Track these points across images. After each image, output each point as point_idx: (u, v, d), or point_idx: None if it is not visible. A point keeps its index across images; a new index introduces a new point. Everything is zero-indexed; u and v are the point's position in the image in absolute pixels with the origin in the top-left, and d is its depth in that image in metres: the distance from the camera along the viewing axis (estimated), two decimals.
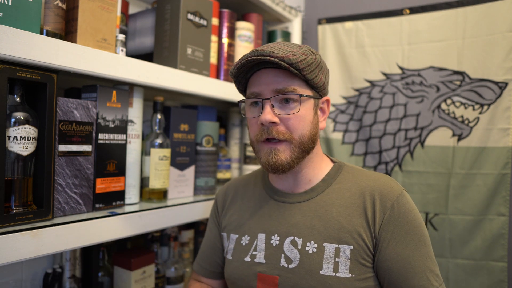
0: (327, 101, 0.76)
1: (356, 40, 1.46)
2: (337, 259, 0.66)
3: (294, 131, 0.68)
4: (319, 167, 0.76)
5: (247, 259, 0.74)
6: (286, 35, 1.40)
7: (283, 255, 0.70)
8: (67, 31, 0.74)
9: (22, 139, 0.64)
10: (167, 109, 0.97)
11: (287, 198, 0.75)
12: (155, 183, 0.91)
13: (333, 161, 0.79)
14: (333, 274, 0.66)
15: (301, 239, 0.70)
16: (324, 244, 0.68)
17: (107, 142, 0.81)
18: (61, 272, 0.88)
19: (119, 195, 0.84)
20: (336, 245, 0.67)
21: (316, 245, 0.68)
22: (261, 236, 0.74)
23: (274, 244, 0.72)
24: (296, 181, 0.75)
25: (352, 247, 0.66)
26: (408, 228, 0.66)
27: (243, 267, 0.74)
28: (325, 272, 0.66)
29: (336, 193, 0.72)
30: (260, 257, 0.73)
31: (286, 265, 0.69)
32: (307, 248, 0.69)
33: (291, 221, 0.72)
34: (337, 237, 0.67)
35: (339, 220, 0.69)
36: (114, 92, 0.82)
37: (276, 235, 0.72)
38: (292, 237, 0.71)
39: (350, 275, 0.65)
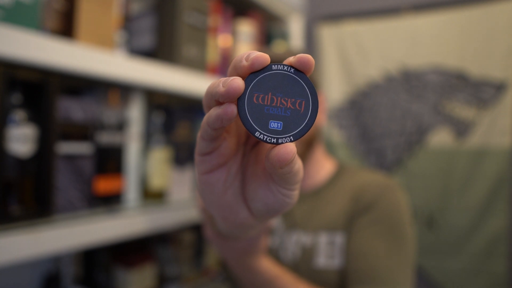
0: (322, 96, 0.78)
1: (356, 40, 1.45)
2: (328, 248, 0.69)
3: None
4: (323, 165, 0.79)
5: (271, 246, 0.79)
6: (286, 35, 1.40)
7: (289, 247, 0.74)
8: (67, 31, 0.74)
9: (22, 139, 0.64)
10: (167, 109, 0.97)
11: None
12: (155, 183, 0.91)
13: (336, 163, 0.82)
14: (324, 263, 0.68)
15: (301, 233, 0.73)
16: (317, 234, 0.71)
17: (107, 142, 0.81)
18: (61, 272, 0.88)
19: (119, 195, 0.84)
20: (327, 234, 0.70)
21: (310, 237, 0.72)
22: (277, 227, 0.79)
23: (283, 237, 0.76)
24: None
25: (341, 234, 0.69)
26: (385, 221, 0.67)
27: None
28: (316, 262, 0.69)
29: (334, 191, 0.75)
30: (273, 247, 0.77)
31: (291, 258, 0.73)
32: (303, 240, 0.72)
33: (295, 216, 0.76)
34: (328, 226, 0.71)
35: (331, 211, 0.72)
36: (114, 92, 0.82)
37: (284, 228, 0.76)
38: (295, 232, 0.74)
39: (338, 262, 0.68)
